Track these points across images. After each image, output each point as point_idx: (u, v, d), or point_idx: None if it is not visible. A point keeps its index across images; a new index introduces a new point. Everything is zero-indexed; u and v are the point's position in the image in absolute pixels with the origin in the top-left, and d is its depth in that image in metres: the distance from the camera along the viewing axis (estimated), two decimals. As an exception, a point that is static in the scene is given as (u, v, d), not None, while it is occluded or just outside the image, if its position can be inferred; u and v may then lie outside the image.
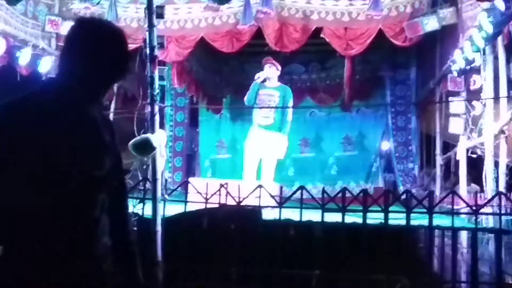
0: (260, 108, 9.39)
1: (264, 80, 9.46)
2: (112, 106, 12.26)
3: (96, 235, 2.30)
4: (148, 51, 6.16)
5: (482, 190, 8.18)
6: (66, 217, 2.20)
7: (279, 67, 9.49)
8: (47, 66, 10.32)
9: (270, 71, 9.39)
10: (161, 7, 7.10)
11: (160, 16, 6.51)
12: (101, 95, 2.56)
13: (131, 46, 10.10)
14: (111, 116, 11.91)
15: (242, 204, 6.60)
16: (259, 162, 9.30)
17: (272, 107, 9.34)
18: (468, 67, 8.37)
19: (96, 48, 2.35)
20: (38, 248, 2.15)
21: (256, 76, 9.45)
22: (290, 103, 9.54)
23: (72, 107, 2.32)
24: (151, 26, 6.09)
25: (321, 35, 9.91)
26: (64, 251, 2.18)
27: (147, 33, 6.23)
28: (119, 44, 2.44)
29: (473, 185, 9.97)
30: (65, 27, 10.49)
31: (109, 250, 2.39)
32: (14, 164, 2.16)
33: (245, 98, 9.58)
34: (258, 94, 9.39)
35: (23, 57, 9.80)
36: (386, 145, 13.53)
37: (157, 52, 6.24)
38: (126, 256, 2.57)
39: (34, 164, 2.16)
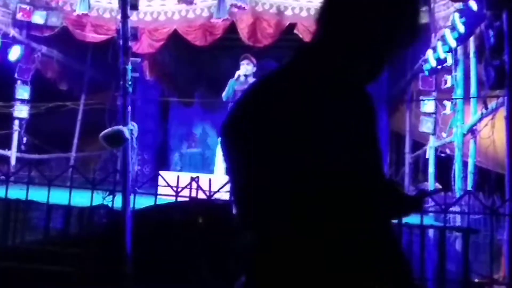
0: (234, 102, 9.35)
1: (239, 76, 9.43)
2: (83, 97, 12.15)
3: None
4: (121, 42, 6.08)
5: (448, 189, 8.24)
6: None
7: (255, 62, 9.47)
8: (17, 54, 10.23)
9: (248, 68, 9.34)
10: (135, -2, 7.06)
11: (134, 7, 6.46)
12: (379, 74, 1.90)
13: (103, 37, 10.12)
14: (81, 107, 11.84)
15: (213, 198, 6.57)
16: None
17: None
18: (439, 67, 8.44)
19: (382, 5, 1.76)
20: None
21: (236, 75, 9.41)
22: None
23: (344, 88, 1.77)
24: (124, 17, 6.02)
25: (295, 31, 9.92)
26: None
27: (120, 24, 6.15)
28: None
29: (436, 184, 10.04)
30: (36, 16, 10.40)
31: None
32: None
33: (223, 95, 9.53)
34: (235, 90, 9.36)
35: (-7, 45, 9.71)
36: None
37: (130, 43, 6.18)
38: None
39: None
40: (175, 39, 10.69)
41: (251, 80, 9.48)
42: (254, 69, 9.47)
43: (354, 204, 1.70)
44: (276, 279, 1.72)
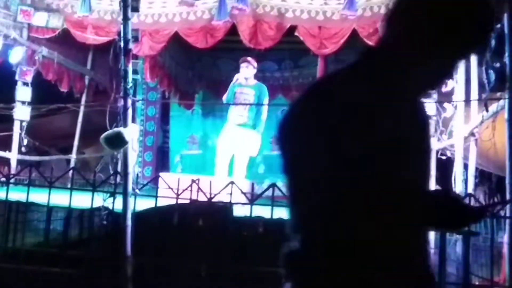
0: (234, 104, 9.33)
1: (237, 79, 9.42)
2: (83, 99, 12.16)
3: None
4: (122, 44, 6.09)
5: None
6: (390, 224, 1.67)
7: (256, 65, 9.43)
8: (18, 56, 10.23)
9: (248, 71, 9.32)
10: (136, 0, 7.07)
11: (135, 9, 6.47)
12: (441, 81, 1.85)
13: (104, 39, 10.13)
14: (81, 109, 11.84)
15: (213, 200, 6.57)
16: (231, 159, 9.27)
17: (245, 104, 9.28)
18: (440, 69, 8.42)
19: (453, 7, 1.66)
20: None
21: (234, 79, 9.40)
22: (265, 101, 9.49)
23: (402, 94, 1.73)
24: (126, 19, 6.03)
25: (295, 33, 9.92)
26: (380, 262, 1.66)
27: (121, 26, 6.16)
28: None
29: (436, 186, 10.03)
30: (37, 18, 10.40)
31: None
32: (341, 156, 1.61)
33: (224, 98, 9.53)
34: (235, 93, 9.35)
35: (-7, 47, 9.72)
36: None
37: (131, 45, 6.18)
38: None
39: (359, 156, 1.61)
40: (176, 41, 10.70)
41: (252, 82, 9.47)
42: (254, 71, 9.45)
43: (403, 210, 1.68)
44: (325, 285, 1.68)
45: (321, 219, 1.66)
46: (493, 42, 6.49)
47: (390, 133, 1.65)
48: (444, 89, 8.71)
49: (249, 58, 9.39)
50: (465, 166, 8.05)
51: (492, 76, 6.59)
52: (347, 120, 1.62)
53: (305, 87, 1.82)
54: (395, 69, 1.73)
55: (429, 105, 9.24)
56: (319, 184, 1.65)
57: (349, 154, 1.61)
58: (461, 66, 8.14)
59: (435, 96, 9.29)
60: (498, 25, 6.36)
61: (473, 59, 7.77)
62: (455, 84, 8.22)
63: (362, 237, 1.64)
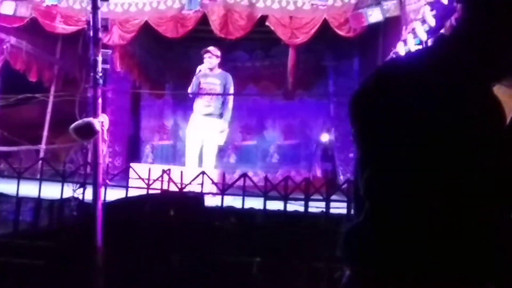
0: (201, 94, 9.27)
1: (200, 71, 9.34)
2: (52, 88, 12.04)
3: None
4: (91, 33, 6.02)
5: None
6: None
7: (219, 54, 9.32)
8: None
9: (211, 61, 9.22)
10: (105, -11, 7.02)
11: (105, -2, 6.41)
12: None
13: (73, 28, 10.03)
14: (50, 99, 11.73)
15: (184, 190, 6.56)
16: (201, 149, 9.22)
17: (212, 94, 9.22)
18: (410, 59, 8.47)
19: None
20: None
21: (197, 70, 9.32)
22: (231, 90, 9.43)
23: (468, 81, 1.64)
24: (95, 8, 5.96)
25: (266, 23, 9.92)
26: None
27: (90, 15, 6.09)
28: None
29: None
30: (5, 7, 10.28)
31: None
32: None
33: (189, 90, 9.46)
34: (199, 83, 9.26)
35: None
36: (326, 137, 13.57)
37: (101, 34, 6.12)
38: None
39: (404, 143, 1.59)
40: (146, 31, 10.64)
41: (217, 72, 9.38)
42: (218, 61, 9.32)
43: (474, 191, 1.58)
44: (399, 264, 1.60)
45: (397, 186, 1.62)
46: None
47: (465, 117, 1.59)
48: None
49: (210, 48, 9.28)
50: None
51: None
52: (422, 99, 1.59)
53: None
54: (475, 54, 1.67)
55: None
56: (393, 155, 1.62)
57: (424, 131, 1.58)
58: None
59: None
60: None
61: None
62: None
63: (435, 209, 1.57)
